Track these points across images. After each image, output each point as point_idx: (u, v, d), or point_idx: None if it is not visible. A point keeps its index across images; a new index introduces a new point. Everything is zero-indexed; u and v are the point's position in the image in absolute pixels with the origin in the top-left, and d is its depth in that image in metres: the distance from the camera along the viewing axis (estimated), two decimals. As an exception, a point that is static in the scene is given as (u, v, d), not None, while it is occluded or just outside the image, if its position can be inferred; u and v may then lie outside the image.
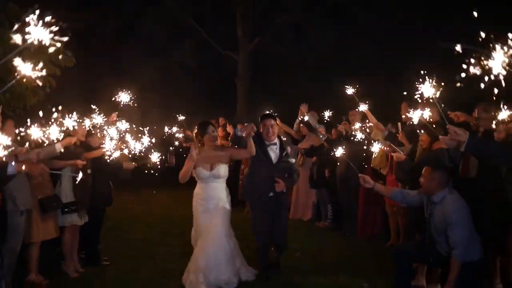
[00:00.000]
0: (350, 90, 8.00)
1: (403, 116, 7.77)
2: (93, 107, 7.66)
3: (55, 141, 5.80)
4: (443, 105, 4.68)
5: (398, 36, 15.39)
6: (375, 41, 16.21)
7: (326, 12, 17.42)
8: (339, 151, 6.28)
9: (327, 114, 9.85)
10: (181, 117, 14.71)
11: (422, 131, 6.76)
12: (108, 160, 7.05)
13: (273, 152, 6.49)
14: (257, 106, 12.12)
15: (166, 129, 15.14)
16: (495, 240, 5.63)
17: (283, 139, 6.80)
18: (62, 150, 6.07)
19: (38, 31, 3.16)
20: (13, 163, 4.80)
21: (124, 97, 8.56)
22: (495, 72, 3.30)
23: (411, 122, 7.42)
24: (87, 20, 17.22)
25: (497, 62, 3.29)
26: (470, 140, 4.18)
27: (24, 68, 3.27)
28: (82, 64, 8.49)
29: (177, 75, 19.02)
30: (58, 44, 3.24)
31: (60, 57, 7.12)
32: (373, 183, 5.70)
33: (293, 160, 6.73)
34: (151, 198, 13.66)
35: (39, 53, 3.81)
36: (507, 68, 3.25)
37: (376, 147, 7.04)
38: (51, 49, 3.23)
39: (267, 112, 7.45)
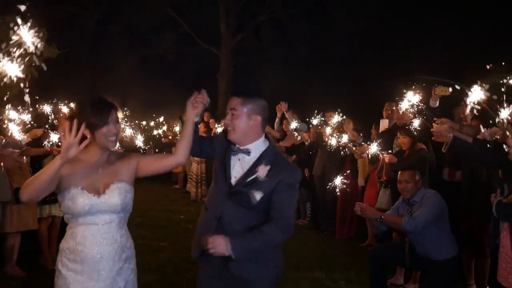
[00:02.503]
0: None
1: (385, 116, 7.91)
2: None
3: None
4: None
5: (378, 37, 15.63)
6: (355, 41, 16.38)
7: (307, 10, 17.51)
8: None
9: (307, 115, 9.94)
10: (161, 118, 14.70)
11: (401, 134, 6.87)
12: None
13: (240, 166, 3.23)
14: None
15: (144, 123, 15.08)
16: (474, 242, 5.75)
17: (272, 144, 3.45)
18: (28, 140, 6.02)
19: (23, 34, 3.16)
20: None
21: None
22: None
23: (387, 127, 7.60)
24: (66, 12, 17.09)
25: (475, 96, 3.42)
26: (453, 142, 4.23)
27: (10, 68, 3.27)
28: (62, 56, 8.40)
29: (156, 68, 18.94)
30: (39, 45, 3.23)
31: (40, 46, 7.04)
32: (378, 216, 5.29)
33: (258, 196, 3.11)
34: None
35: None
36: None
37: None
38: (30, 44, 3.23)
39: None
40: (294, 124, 10.16)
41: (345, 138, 8.11)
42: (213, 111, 16.28)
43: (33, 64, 7.09)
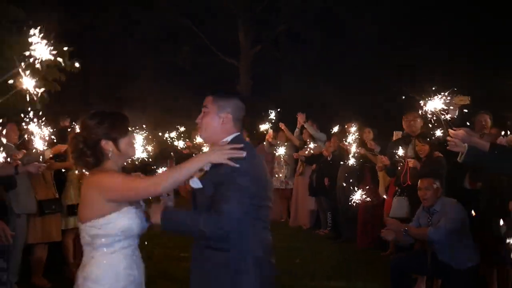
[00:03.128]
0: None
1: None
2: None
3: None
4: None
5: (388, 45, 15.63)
6: (374, 49, 16.38)
7: (323, 19, 17.54)
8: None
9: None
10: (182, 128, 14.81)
11: (419, 142, 6.89)
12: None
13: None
14: (258, 113, 12.17)
15: (166, 135, 15.16)
16: (494, 250, 5.71)
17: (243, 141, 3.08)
18: (50, 155, 6.13)
19: (40, 49, 3.26)
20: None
21: None
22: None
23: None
24: (85, 24, 17.33)
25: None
26: (469, 152, 4.20)
27: (27, 82, 3.38)
28: (82, 69, 8.55)
29: (174, 79, 19.06)
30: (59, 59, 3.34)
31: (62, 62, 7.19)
32: (403, 228, 5.33)
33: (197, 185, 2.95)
34: (150, 202, 13.67)
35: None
36: None
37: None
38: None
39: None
40: (312, 131, 10.25)
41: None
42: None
43: (56, 79, 7.24)
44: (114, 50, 18.99)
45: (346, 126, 9.21)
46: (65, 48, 3.50)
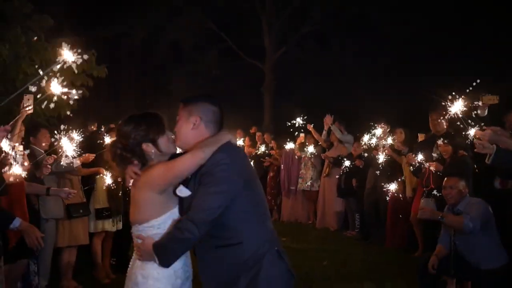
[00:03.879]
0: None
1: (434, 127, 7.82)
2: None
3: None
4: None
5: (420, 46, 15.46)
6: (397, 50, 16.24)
7: (348, 20, 17.42)
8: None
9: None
10: None
11: (443, 142, 6.82)
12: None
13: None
14: (284, 115, 12.17)
15: None
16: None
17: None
18: (79, 164, 6.19)
19: (67, 54, 3.32)
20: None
21: None
22: None
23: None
24: (114, 32, 17.59)
25: None
26: (497, 153, 4.13)
27: (55, 87, 3.44)
28: (111, 75, 8.67)
29: (202, 83, 19.17)
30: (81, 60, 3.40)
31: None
32: (438, 216, 5.32)
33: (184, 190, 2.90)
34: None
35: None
36: None
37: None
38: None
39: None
40: (339, 134, 10.21)
41: (389, 140, 8.26)
42: (259, 124, 16.38)
43: (84, 84, 7.35)
44: (144, 56, 19.25)
45: (376, 127, 9.11)
46: (83, 57, 3.51)
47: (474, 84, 4.09)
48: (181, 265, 2.92)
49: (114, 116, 9.94)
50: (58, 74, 3.47)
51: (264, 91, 19.02)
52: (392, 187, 7.30)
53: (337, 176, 10.09)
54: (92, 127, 8.60)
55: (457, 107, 4.15)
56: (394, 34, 15.97)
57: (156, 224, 2.83)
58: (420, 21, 15.66)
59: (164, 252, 2.80)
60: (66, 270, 6.37)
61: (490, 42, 13.96)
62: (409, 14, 15.98)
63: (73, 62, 3.37)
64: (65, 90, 3.49)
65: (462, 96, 4.15)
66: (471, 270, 5.20)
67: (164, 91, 18.26)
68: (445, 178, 5.54)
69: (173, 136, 3.00)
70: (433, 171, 7.10)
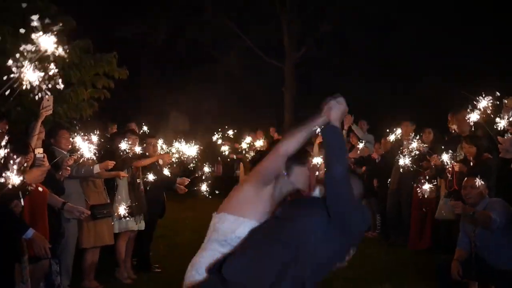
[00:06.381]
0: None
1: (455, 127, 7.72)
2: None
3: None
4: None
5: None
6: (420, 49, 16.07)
7: (368, 19, 17.30)
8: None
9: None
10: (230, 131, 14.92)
11: (467, 144, 6.73)
12: (167, 173, 7.28)
13: None
14: (304, 114, 12.14)
15: (215, 138, 15.27)
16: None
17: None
18: (99, 171, 6.23)
19: (44, 40, 3.21)
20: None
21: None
22: None
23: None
24: (135, 32, 17.71)
25: None
26: None
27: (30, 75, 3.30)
28: (132, 76, 8.68)
29: (222, 83, 19.19)
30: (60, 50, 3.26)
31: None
32: (471, 211, 5.20)
33: None
34: (197, 205, 13.78)
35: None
36: None
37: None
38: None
39: None
40: (360, 134, 10.14)
41: (414, 144, 8.04)
42: (279, 124, 16.35)
43: (105, 86, 7.38)
44: (164, 56, 19.35)
45: (402, 127, 9.00)
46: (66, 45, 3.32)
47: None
48: None
49: (134, 117, 9.99)
50: (35, 62, 3.27)
51: (284, 91, 18.98)
52: (426, 186, 7.15)
53: (358, 177, 9.97)
54: (112, 128, 8.65)
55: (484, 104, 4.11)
56: (413, 34, 15.84)
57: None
58: (445, 19, 15.47)
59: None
60: (89, 271, 6.41)
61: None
62: (430, 12, 15.84)
63: (55, 49, 3.21)
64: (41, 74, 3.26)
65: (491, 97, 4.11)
66: (492, 272, 5.15)
67: (184, 91, 18.33)
68: (465, 178, 5.50)
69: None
70: (457, 172, 7.02)
